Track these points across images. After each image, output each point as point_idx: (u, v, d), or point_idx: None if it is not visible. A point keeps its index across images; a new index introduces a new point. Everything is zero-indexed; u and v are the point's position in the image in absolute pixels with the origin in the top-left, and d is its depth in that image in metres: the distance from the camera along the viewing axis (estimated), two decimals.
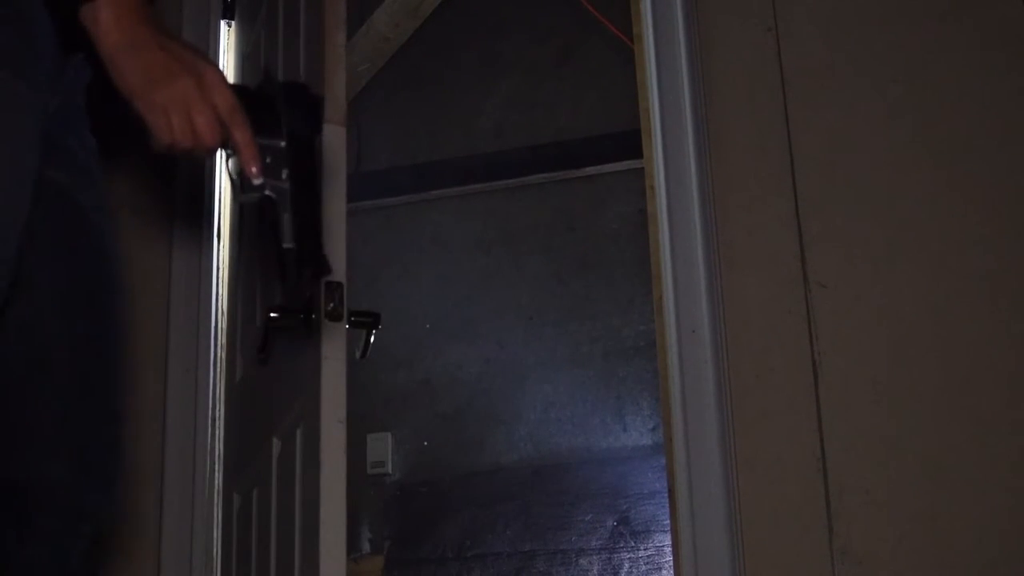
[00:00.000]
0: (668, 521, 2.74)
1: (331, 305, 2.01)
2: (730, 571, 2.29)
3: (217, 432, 2.78)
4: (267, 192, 1.32)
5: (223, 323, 2.82)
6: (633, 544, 3.65)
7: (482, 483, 3.86)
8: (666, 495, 2.51)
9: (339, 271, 2.02)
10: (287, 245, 1.33)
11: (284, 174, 1.32)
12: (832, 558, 2.27)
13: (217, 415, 2.79)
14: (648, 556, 3.62)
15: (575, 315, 3.95)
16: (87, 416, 1.40)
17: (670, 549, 3.21)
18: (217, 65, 1.31)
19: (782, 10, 2.57)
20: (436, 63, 4.33)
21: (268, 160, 1.32)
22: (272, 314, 2.12)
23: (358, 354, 2.15)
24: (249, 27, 2.85)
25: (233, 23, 3.00)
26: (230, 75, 2.94)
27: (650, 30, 2.65)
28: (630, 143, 3.30)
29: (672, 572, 2.60)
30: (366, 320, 2.14)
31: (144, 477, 2.77)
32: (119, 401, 1.45)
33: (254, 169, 1.30)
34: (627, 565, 3.63)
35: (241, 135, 1.28)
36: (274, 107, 1.33)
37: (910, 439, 2.31)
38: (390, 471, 3.99)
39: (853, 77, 2.52)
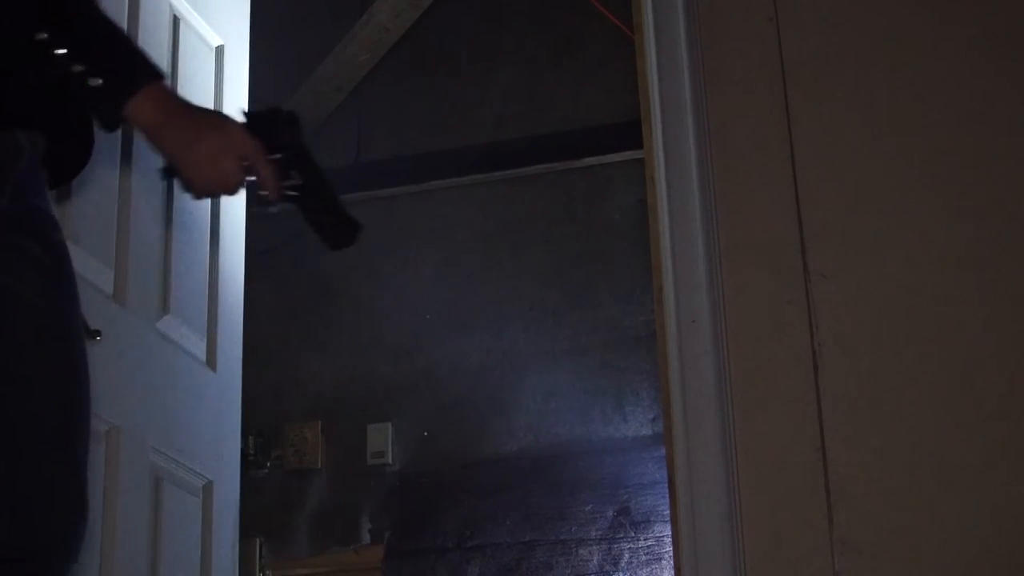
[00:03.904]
0: (668, 511, 2.74)
1: None
2: (730, 561, 2.29)
3: None
4: (289, 193, 1.61)
5: None
6: (633, 534, 3.66)
7: (482, 473, 3.86)
8: (666, 485, 2.51)
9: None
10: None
11: (293, 175, 1.60)
12: (832, 548, 2.27)
13: None
14: (648, 546, 3.63)
15: (575, 306, 3.95)
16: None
17: (670, 539, 3.22)
18: (235, 120, 1.58)
19: (783, 0, 2.56)
20: (436, 53, 4.32)
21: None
22: None
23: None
24: None
25: None
26: None
27: (650, 20, 2.64)
28: (630, 133, 3.30)
29: (672, 562, 2.60)
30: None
31: None
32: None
33: (276, 194, 1.59)
34: (627, 555, 3.63)
35: (264, 170, 1.56)
36: (268, 129, 1.61)
37: (911, 429, 2.30)
38: (390, 461, 4.00)
39: (854, 67, 2.51)
